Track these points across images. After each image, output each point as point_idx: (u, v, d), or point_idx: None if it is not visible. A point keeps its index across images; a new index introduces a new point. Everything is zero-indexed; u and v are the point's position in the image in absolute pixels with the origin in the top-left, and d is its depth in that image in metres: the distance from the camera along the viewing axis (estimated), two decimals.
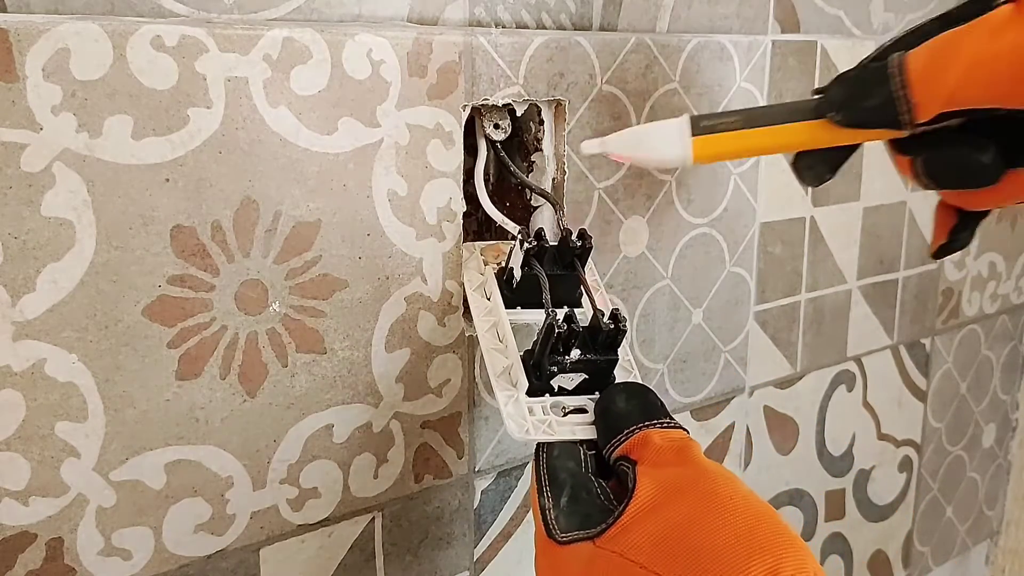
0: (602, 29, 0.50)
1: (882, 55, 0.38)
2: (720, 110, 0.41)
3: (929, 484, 0.85)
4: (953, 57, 0.34)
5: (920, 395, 0.80)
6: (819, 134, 0.38)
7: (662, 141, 0.40)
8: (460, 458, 0.49)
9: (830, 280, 0.68)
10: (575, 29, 0.49)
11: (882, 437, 0.78)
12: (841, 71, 0.39)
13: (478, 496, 0.50)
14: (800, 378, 0.68)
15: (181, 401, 0.39)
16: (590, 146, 0.42)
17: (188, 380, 0.39)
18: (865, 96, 0.36)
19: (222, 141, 0.37)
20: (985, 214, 0.42)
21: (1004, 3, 0.34)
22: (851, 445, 0.75)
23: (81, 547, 0.37)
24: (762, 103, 0.58)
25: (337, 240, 0.41)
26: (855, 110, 0.36)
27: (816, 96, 0.38)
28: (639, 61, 0.51)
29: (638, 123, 0.51)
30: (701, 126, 0.39)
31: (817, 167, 0.41)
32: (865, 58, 0.39)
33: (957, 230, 0.41)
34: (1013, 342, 0.90)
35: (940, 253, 0.42)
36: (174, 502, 0.39)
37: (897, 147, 0.38)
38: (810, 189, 0.64)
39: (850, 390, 0.73)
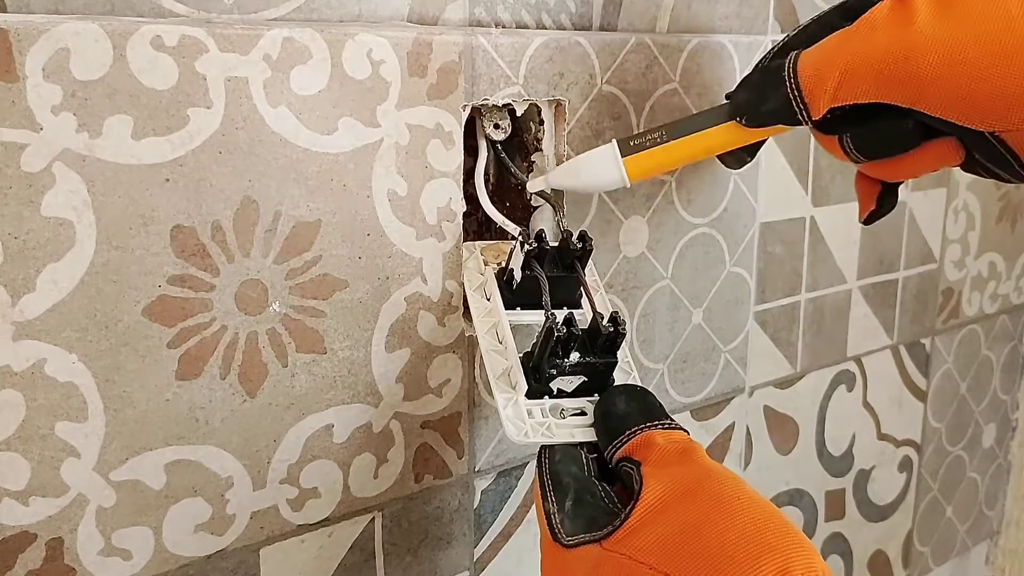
0: (602, 29, 0.50)
1: (785, 47, 0.42)
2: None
3: (929, 484, 0.85)
4: (837, 57, 0.37)
5: (920, 395, 0.80)
6: (734, 135, 0.42)
7: (598, 168, 0.44)
8: (460, 458, 0.49)
9: (830, 280, 0.68)
10: (575, 29, 0.49)
11: (882, 437, 0.78)
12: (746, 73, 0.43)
13: (478, 496, 0.50)
14: (800, 378, 0.68)
15: (181, 401, 0.39)
16: (535, 184, 0.46)
17: (188, 380, 0.39)
18: (764, 100, 0.40)
19: (222, 141, 0.37)
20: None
21: None
22: (851, 445, 0.75)
23: (81, 547, 0.37)
24: None
25: (337, 240, 0.41)
26: (758, 113, 0.41)
27: (727, 101, 0.42)
28: (639, 61, 0.51)
29: (638, 123, 0.52)
30: (631, 146, 0.43)
31: (737, 153, 0.45)
32: (770, 50, 0.42)
33: (883, 196, 0.45)
34: (1013, 342, 0.90)
35: (871, 219, 0.46)
36: (174, 502, 0.39)
37: (820, 129, 0.42)
38: (810, 189, 0.64)
39: (850, 390, 0.73)
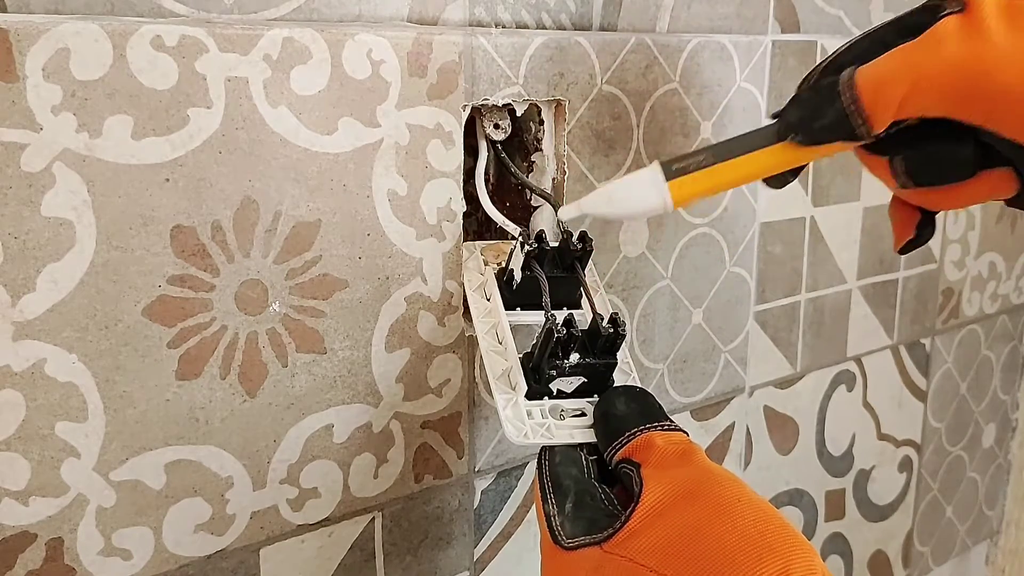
0: (602, 29, 0.50)
1: (834, 63, 0.39)
2: (691, 149, 0.42)
3: (929, 484, 0.85)
4: (901, 70, 0.35)
5: (920, 395, 0.80)
6: (786, 156, 0.39)
7: (638, 193, 0.40)
8: (460, 458, 0.49)
9: (830, 280, 0.68)
10: (575, 29, 0.49)
11: (882, 437, 0.78)
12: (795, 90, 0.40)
13: (478, 496, 0.50)
14: (800, 378, 0.68)
15: (181, 401, 0.39)
16: (567, 211, 0.42)
17: (188, 380, 0.39)
18: (820, 115, 0.37)
19: (222, 141, 0.37)
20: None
21: (951, 12, 0.35)
22: (851, 445, 0.75)
23: (81, 547, 0.37)
24: (762, 103, 0.58)
25: (337, 240, 0.41)
26: (812, 129, 0.38)
27: (775, 120, 0.39)
28: (639, 61, 0.51)
29: (637, 123, 0.52)
30: (673, 170, 0.40)
31: (782, 175, 0.42)
32: (816, 66, 0.40)
33: (922, 225, 0.42)
34: (1013, 342, 0.90)
35: (907, 249, 0.43)
36: (174, 502, 0.39)
37: (870, 150, 0.39)
38: (810, 189, 0.64)
39: (850, 390, 0.73)
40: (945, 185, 0.39)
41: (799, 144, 0.38)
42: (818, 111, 0.37)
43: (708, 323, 0.59)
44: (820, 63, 0.40)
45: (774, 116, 0.40)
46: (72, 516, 0.37)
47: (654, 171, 0.40)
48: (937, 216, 0.43)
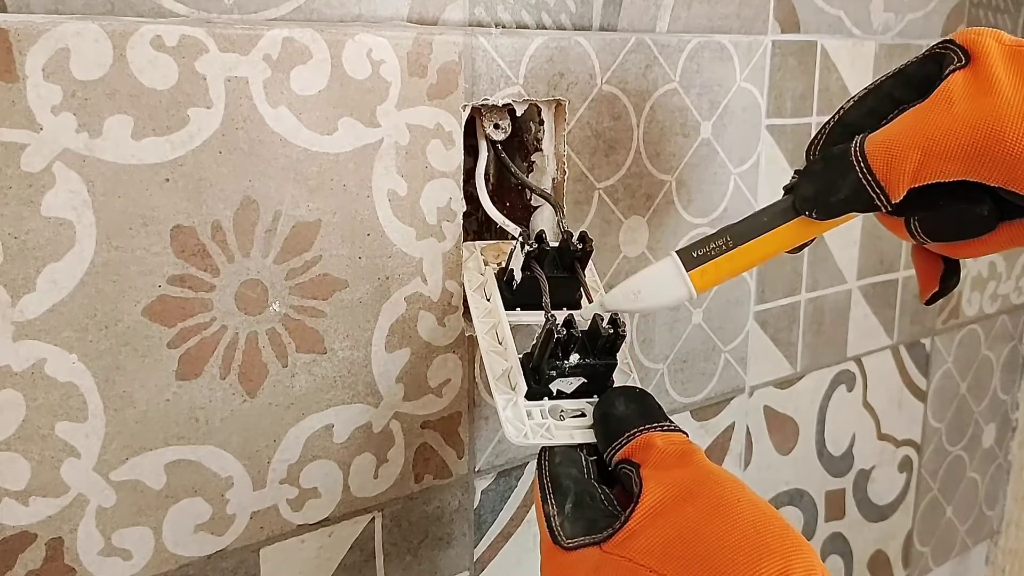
0: (602, 29, 0.50)
1: (840, 122, 0.39)
2: (703, 236, 0.42)
3: (929, 484, 0.85)
4: (914, 135, 0.34)
5: (920, 395, 0.80)
6: (803, 230, 0.39)
7: (662, 286, 0.40)
8: (460, 458, 0.49)
9: (830, 280, 0.68)
10: (575, 29, 0.49)
11: (882, 437, 0.78)
12: (803, 164, 0.39)
13: (478, 496, 0.50)
14: (800, 378, 0.68)
15: (181, 401, 0.39)
16: (590, 310, 0.42)
17: (188, 380, 0.39)
18: (835, 190, 0.37)
19: (222, 141, 0.37)
20: None
21: (956, 68, 0.35)
22: (851, 445, 0.75)
23: (81, 547, 0.37)
24: (762, 103, 0.58)
25: (337, 240, 0.41)
26: (828, 205, 0.37)
27: (788, 195, 0.39)
28: (639, 61, 0.51)
29: (637, 123, 0.52)
30: (693, 258, 0.40)
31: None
32: (823, 127, 0.39)
33: (946, 276, 0.42)
34: (1013, 342, 0.90)
35: (933, 300, 0.43)
36: (174, 502, 0.39)
37: (887, 212, 0.39)
38: None
39: (850, 390, 0.73)
40: (964, 240, 0.38)
41: (815, 219, 0.38)
42: (833, 185, 0.37)
43: (708, 323, 0.59)
44: (827, 122, 0.39)
45: (786, 190, 0.39)
46: (72, 516, 0.37)
47: (674, 263, 0.40)
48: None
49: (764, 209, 0.40)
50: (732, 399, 0.63)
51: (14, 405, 0.35)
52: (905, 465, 0.81)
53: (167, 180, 0.36)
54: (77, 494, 0.37)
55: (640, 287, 0.41)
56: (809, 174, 0.38)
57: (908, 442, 0.81)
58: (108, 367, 0.37)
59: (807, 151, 0.40)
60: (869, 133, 0.36)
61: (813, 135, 0.40)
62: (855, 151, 0.36)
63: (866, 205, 0.36)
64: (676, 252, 0.40)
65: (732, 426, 0.64)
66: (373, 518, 0.46)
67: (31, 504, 0.36)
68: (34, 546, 0.36)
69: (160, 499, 0.39)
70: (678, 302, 0.41)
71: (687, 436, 0.37)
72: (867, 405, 0.75)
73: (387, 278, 0.43)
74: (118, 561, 0.38)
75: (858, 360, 0.73)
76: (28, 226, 0.34)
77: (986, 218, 0.37)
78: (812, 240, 0.41)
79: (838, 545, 0.76)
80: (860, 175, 0.35)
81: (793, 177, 0.40)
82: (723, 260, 0.40)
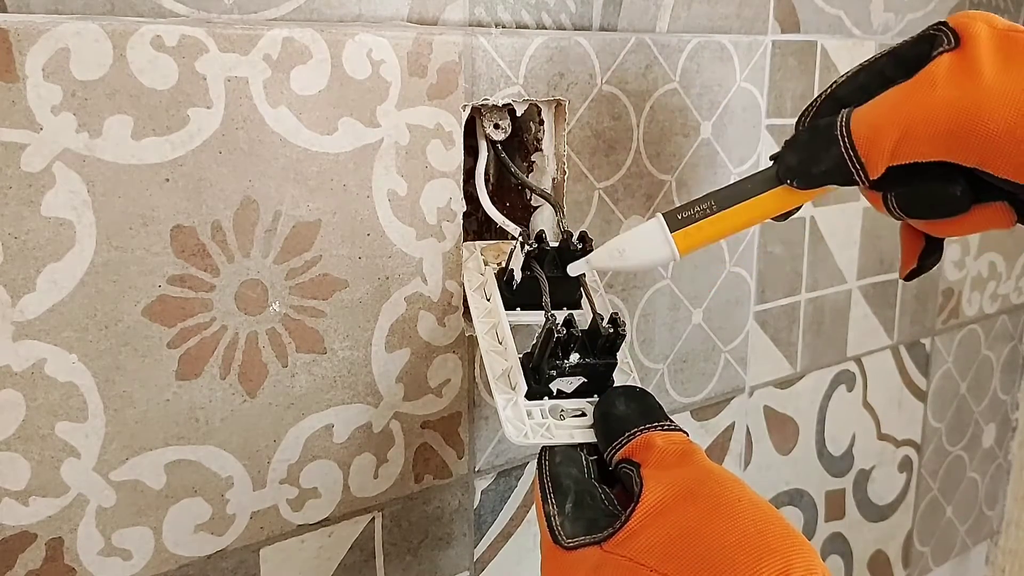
0: (602, 29, 0.50)
1: (831, 96, 0.39)
2: (691, 199, 0.43)
3: (929, 484, 0.85)
4: (895, 114, 0.35)
5: (920, 395, 0.80)
6: (784, 199, 0.40)
7: (645, 245, 0.41)
8: (460, 458, 0.49)
9: (830, 280, 0.68)
10: (575, 29, 0.49)
11: (882, 437, 0.78)
12: (790, 135, 0.40)
13: (478, 496, 0.50)
14: (800, 378, 0.68)
15: (181, 401, 0.39)
16: (576, 268, 0.43)
17: (188, 380, 0.39)
18: (817, 161, 0.38)
19: (222, 141, 0.37)
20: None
21: (945, 50, 0.35)
22: (851, 445, 0.75)
23: (81, 547, 0.37)
24: (762, 103, 0.59)
25: (337, 240, 0.41)
26: (809, 175, 0.38)
27: (773, 162, 0.40)
28: (639, 61, 0.51)
29: (637, 123, 0.52)
30: (678, 219, 0.41)
31: (784, 212, 0.43)
32: (815, 99, 0.40)
33: (926, 254, 0.43)
34: (1013, 342, 0.90)
35: (911, 276, 0.44)
36: (174, 502, 0.39)
37: (866, 187, 0.39)
38: None
39: (850, 390, 0.73)
40: (939, 219, 0.39)
41: (796, 188, 0.39)
42: (816, 157, 0.38)
43: (708, 323, 0.59)
44: (819, 95, 0.40)
45: (772, 158, 0.40)
46: (72, 516, 0.37)
47: (658, 223, 0.41)
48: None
49: (750, 176, 0.41)
50: (732, 399, 0.63)
51: (14, 405, 0.35)
52: (905, 465, 0.81)
53: (167, 180, 0.36)
54: (77, 494, 0.37)
55: (625, 246, 0.42)
56: (795, 144, 0.39)
57: (908, 442, 0.81)
58: (108, 367, 0.37)
59: (796, 122, 0.41)
60: (855, 107, 0.37)
61: (805, 106, 0.41)
62: (840, 125, 0.37)
63: (846, 179, 0.37)
64: (662, 214, 0.41)
65: (732, 426, 0.64)
66: (373, 518, 0.46)
67: (31, 504, 0.36)
68: (34, 546, 0.36)
69: (160, 499, 0.39)
70: (662, 262, 0.42)
71: (687, 435, 0.37)
72: (867, 405, 0.75)
73: (387, 278, 0.43)
74: (118, 561, 0.38)
75: (858, 360, 0.73)
76: (28, 226, 0.34)
77: (959, 198, 0.37)
78: (797, 208, 0.42)
79: (838, 545, 0.76)
80: (843, 150, 0.36)
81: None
82: (707, 223, 0.40)
